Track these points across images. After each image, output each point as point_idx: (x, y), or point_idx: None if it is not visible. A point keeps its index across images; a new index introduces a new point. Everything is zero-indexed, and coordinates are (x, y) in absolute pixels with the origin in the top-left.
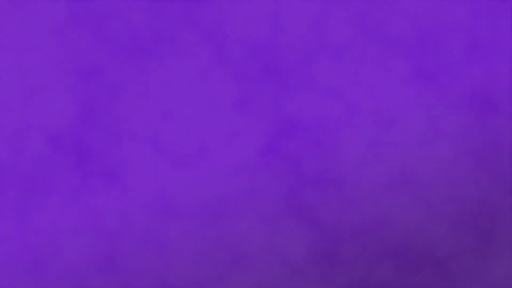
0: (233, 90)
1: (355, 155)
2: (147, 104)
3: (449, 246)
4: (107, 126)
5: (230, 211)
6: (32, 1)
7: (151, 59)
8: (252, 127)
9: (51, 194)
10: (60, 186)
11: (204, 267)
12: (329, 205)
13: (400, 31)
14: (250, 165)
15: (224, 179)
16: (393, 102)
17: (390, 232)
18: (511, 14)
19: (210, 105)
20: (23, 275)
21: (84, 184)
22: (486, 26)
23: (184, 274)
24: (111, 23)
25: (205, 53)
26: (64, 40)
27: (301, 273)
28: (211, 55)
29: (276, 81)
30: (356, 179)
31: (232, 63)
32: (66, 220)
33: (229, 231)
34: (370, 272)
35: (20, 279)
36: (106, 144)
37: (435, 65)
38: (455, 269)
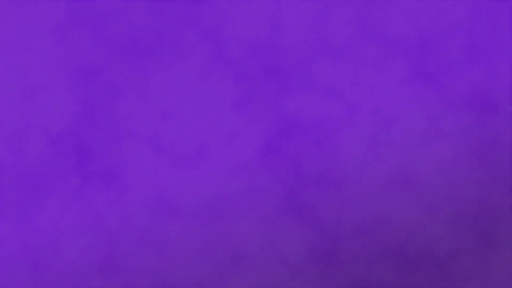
0: (233, 90)
1: (355, 155)
2: (147, 104)
3: (449, 246)
4: (107, 126)
5: (230, 211)
6: (32, 1)
7: (151, 59)
8: (252, 127)
9: (51, 194)
10: (60, 186)
11: (204, 267)
12: (329, 205)
13: (400, 31)
14: (250, 165)
15: (224, 179)
16: (393, 102)
17: (390, 232)
18: (511, 14)
19: (210, 105)
20: (23, 275)
21: (84, 184)
22: (486, 26)
23: (184, 274)
24: (111, 23)
25: (205, 53)
26: (64, 40)
27: (301, 273)
28: (211, 55)
29: (276, 81)
30: (356, 179)
31: (232, 63)
32: (66, 220)
33: (229, 231)
34: (370, 272)
35: (20, 279)
36: (106, 144)
37: (435, 65)
38: (455, 269)
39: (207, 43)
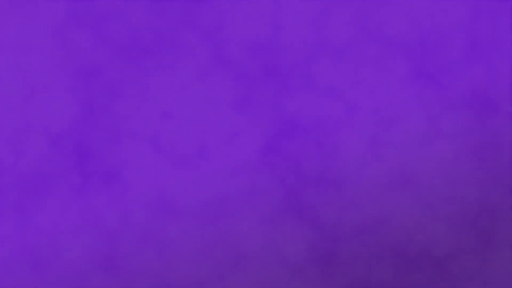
0: (233, 90)
1: (355, 155)
2: (147, 104)
3: (449, 246)
4: (107, 126)
5: (230, 211)
6: (32, 1)
7: (151, 59)
8: (252, 127)
9: (51, 194)
10: (60, 186)
11: (204, 267)
12: (329, 205)
13: (400, 31)
14: (250, 165)
15: (224, 179)
16: (393, 102)
17: (390, 232)
18: (511, 14)
19: (210, 105)
20: (23, 275)
21: (84, 184)
22: (486, 26)
23: (184, 274)
24: (111, 23)
25: (205, 53)
26: (64, 40)
27: (301, 273)
28: (211, 55)
29: (276, 81)
30: (356, 179)
31: (232, 63)
32: (66, 220)
33: (229, 231)
34: (370, 272)
35: (20, 279)
36: (106, 144)
37: (435, 65)
38: (455, 269)
39: (207, 43)
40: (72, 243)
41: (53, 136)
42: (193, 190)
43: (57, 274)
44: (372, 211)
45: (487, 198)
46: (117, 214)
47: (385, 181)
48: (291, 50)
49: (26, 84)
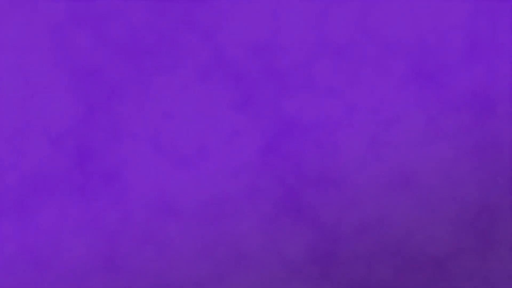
0: (233, 90)
1: (355, 155)
2: (147, 104)
3: (449, 246)
4: (107, 126)
5: (230, 211)
6: (32, 1)
7: (151, 59)
8: (252, 127)
9: (52, 194)
10: (60, 186)
11: (204, 267)
12: (329, 205)
13: (400, 31)
14: (250, 165)
15: (224, 179)
16: (393, 102)
17: (390, 232)
18: (511, 14)
19: (210, 105)
20: (23, 275)
21: (84, 184)
22: (486, 26)
23: (184, 274)
24: (111, 23)
25: (205, 53)
26: (64, 40)
27: (301, 273)
28: (211, 55)
29: (276, 81)
30: (356, 179)
31: (232, 63)
32: (66, 220)
33: (229, 231)
34: (370, 272)
35: (21, 279)
36: (106, 144)
37: (434, 65)
38: (455, 269)
39: (207, 43)
40: (72, 243)
41: (53, 136)
42: (193, 190)
43: (57, 274)
44: (372, 211)
45: (487, 198)
46: (117, 214)
47: (385, 181)
48: (291, 50)
49: (26, 84)
